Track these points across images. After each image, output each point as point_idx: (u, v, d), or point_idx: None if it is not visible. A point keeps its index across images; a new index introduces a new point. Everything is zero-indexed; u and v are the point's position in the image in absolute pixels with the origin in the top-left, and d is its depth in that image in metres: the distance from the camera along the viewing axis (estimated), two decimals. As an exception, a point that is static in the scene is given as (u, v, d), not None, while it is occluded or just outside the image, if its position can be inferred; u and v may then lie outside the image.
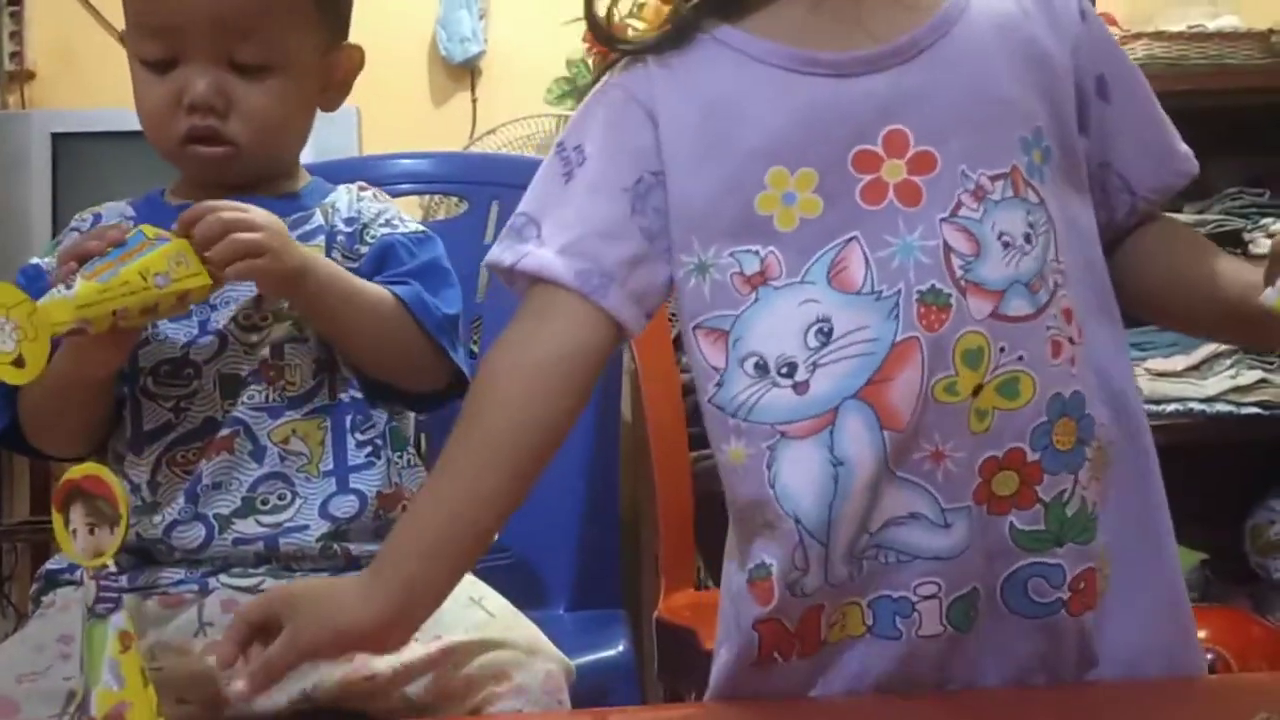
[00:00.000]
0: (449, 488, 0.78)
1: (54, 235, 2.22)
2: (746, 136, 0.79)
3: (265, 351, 0.95)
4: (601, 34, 0.84)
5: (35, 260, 1.01)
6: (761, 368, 0.78)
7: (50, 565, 0.96)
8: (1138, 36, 2.25)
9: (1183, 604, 0.86)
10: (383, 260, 0.99)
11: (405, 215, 1.06)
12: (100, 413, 0.95)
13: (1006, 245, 0.78)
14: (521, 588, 1.14)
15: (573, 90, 2.48)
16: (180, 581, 0.90)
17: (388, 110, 2.30)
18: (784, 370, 0.77)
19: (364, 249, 1.01)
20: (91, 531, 0.68)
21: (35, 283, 0.97)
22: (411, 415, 1.05)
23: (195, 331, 0.95)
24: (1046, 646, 0.79)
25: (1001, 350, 0.77)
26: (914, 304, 0.76)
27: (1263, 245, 2.27)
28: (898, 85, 0.78)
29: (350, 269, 0.98)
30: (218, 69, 0.94)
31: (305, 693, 0.87)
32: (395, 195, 1.32)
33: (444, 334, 0.97)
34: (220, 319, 0.95)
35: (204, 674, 0.87)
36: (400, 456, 0.99)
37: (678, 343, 1.60)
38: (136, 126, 2.26)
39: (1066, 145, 0.82)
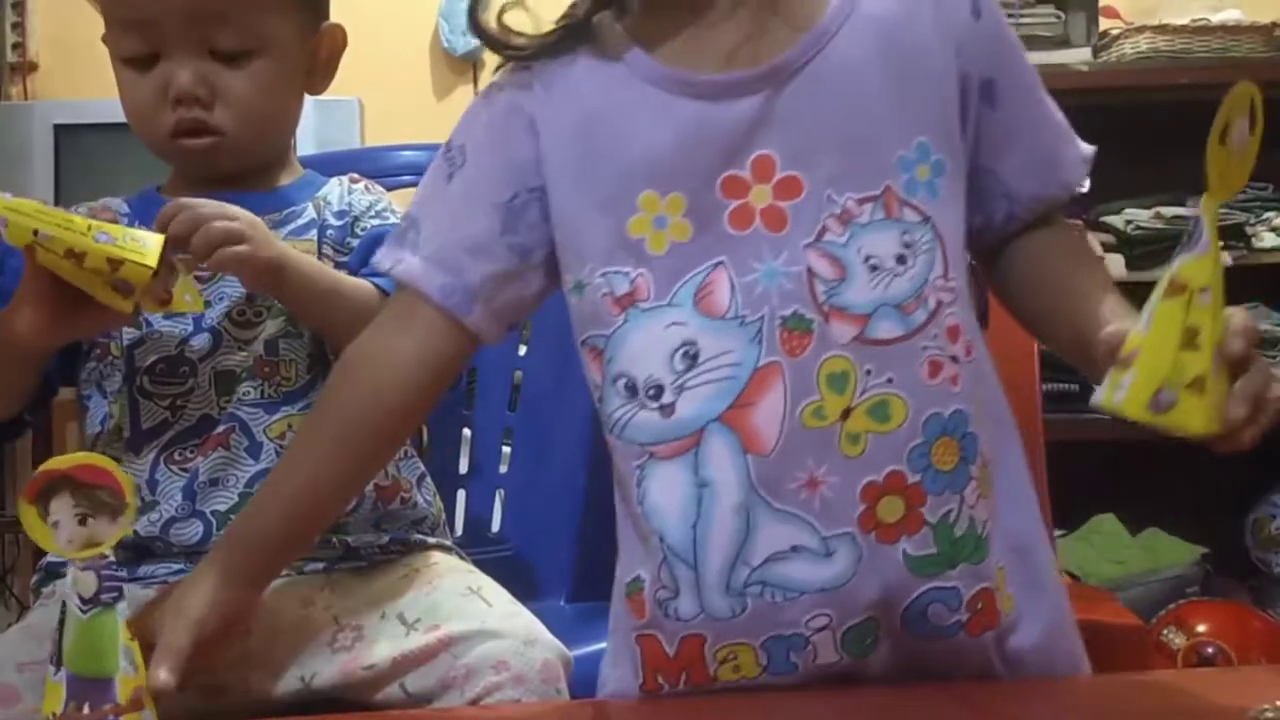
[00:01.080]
0: (289, 479, 0.83)
1: (56, 226, 2.24)
2: (620, 158, 0.79)
3: (259, 347, 0.95)
4: (486, 37, 0.83)
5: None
6: (631, 389, 0.78)
7: (51, 558, 0.95)
8: (1140, 29, 2.25)
9: (1067, 612, 0.84)
10: (371, 251, 0.99)
11: (396, 207, 1.06)
12: (22, 388, 0.93)
13: (874, 268, 0.77)
14: (520, 579, 1.15)
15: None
16: (179, 572, 0.90)
17: (390, 102, 2.30)
18: (651, 392, 0.78)
19: (354, 242, 1.01)
20: (83, 522, 0.67)
21: (7, 258, 0.97)
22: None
23: (190, 329, 0.95)
24: (950, 664, 0.78)
25: (868, 373, 0.76)
26: (777, 329, 0.76)
27: (1265, 239, 2.27)
28: (768, 108, 0.77)
29: (340, 262, 0.98)
30: (199, 59, 0.94)
31: (304, 683, 0.88)
32: (396, 186, 1.32)
33: None
34: (214, 316, 0.95)
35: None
36: (401, 450, 0.99)
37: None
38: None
39: (958, 153, 0.80)
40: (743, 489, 0.76)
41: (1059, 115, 0.85)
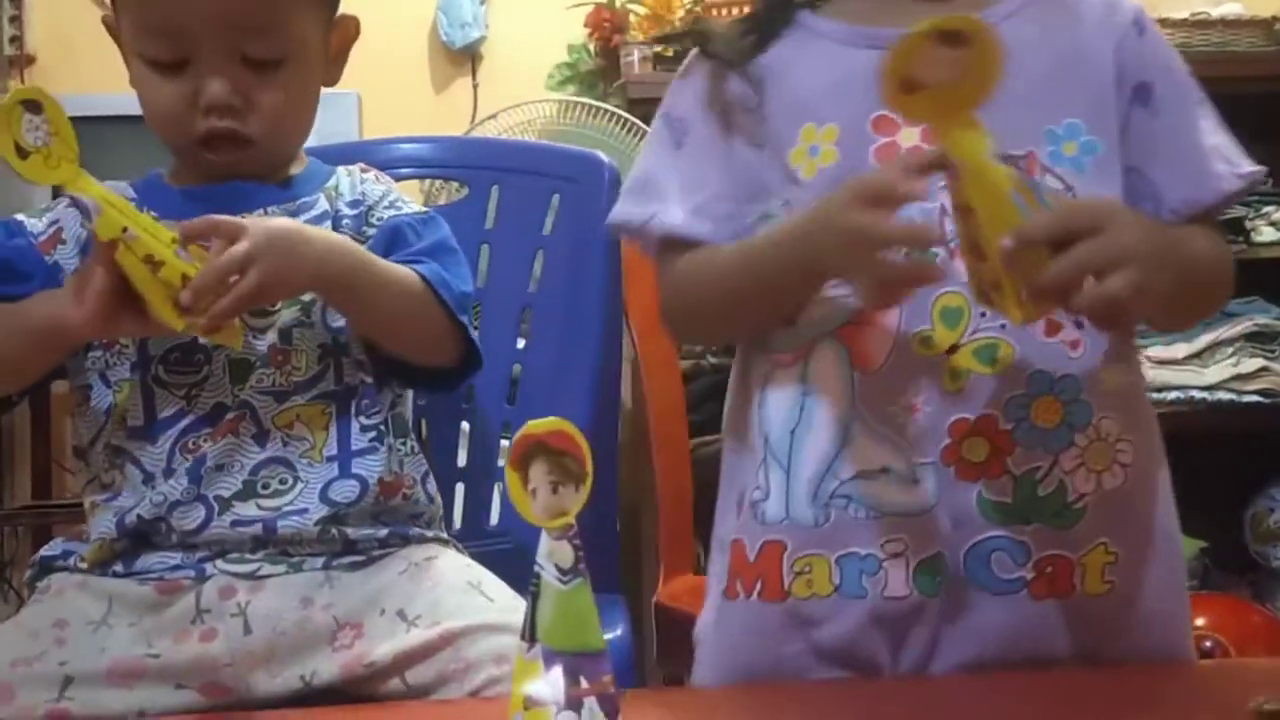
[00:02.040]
0: None
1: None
2: (789, 98, 0.85)
3: (274, 336, 0.95)
4: (710, 53, 0.90)
5: (19, 217, 0.99)
6: None
7: (45, 552, 0.95)
8: (1141, 23, 2.25)
9: (1182, 627, 0.86)
10: (392, 242, 0.99)
11: (407, 197, 1.05)
12: (49, 368, 0.94)
13: None
14: (521, 573, 1.14)
15: (574, 75, 2.48)
16: (177, 567, 0.90)
17: (388, 95, 2.29)
18: None
19: (370, 231, 1.01)
20: (555, 490, 0.66)
21: (14, 237, 0.97)
22: (410, 403, 1.04)
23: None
24: (1003, 627, 0.79)
25: (983, 315, 0.79)
26: (901, 256, 0.78)
27: (1265, 233, 2.27)
28: None
29: None
30: (231, 67, 0.93)
31: (304, 680, 0.87)
32: (396, 180, 1.31)
33: (463, 310, 0.97)
34: None
35: (202, 660, 0.87)
36: (402, 444, 0.99)
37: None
38: (137, 111, 2.25)
39: (1115, 151, 0.83)
40: (845, 402, 0.80)
41: (1221, 135, 0.87)
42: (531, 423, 0.69)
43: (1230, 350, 2.22)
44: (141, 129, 1.98)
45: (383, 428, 0.97)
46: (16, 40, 2.53)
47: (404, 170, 1.43)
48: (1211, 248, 0.85)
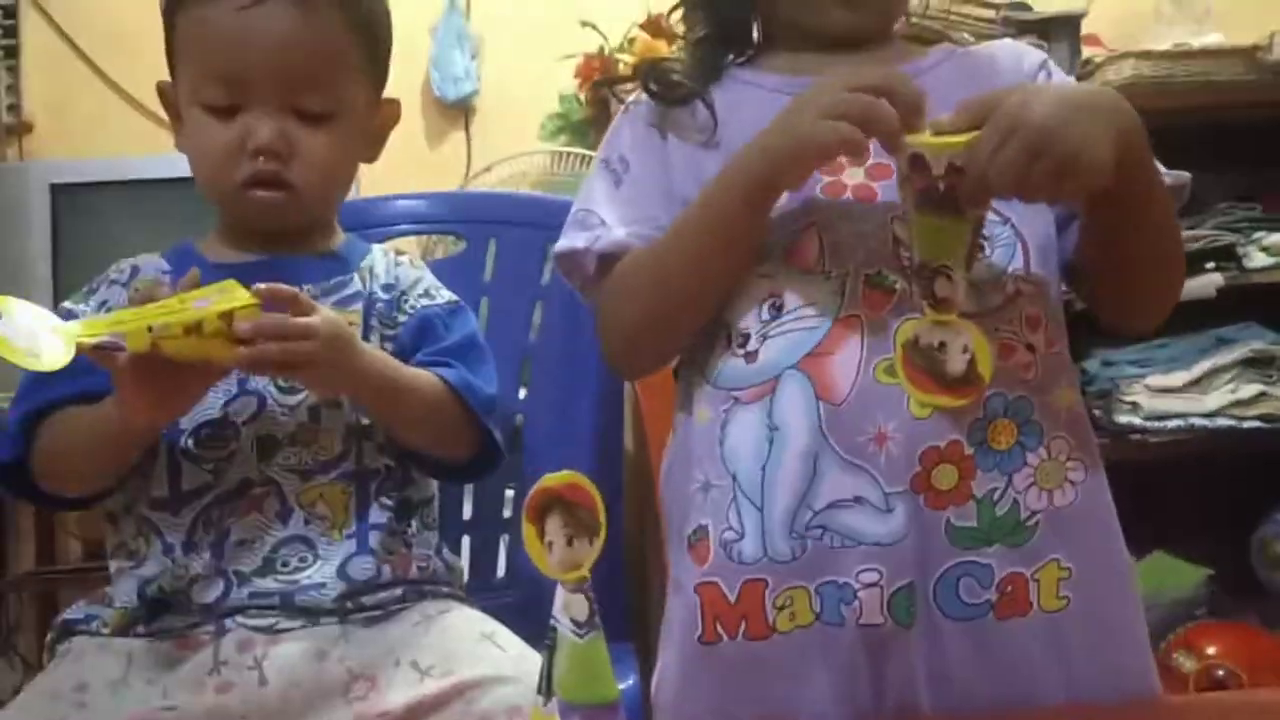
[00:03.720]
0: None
1: (55, 285, 2.25)
2: (734, 139, 0.88)
3: (302, 414, 0.97)
4: (655, 94, 0.95)
5: (68, 305, 1.03)
6: (728, 338, 0.85)
7: (67, 615, 0.96)
8: (1124, 56, 2.27)
9: (1142, 639, 0.88)
10: (421, 334, 1.02)
11: (438, 283, 1.08)
12: (128, 463, 0.96)
13: None
14: (528, 625, 1.14)
15: (566, 125, 2.50)
16: (195, 625, 0.91)
17: (384, 150, 2.31)
18: (740, 340, 0.84)
19: (401, 318, 1.03)
20: (570, 543, 0.67)
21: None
22: (433, 482, 1.06)
23: (234, 390, 0.96)
24: (973, 656, 0.80)
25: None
26: (860, 285, 0.81)
27: (1256, 259, 2.28)
28: None
29: (388, 335, 1.00)
30: (282, 116, 0.96)
31: (320, 731, 0.88)
32: (394, 236, 1.33)
33: (487, 414, 1.00)
34: (259, 380, 0.96)
35: (217, 711, 0.88)
36: (417, 523, 1.01)
37: (678, 372, 1.61)
38: (134, 175, 2.28)
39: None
40: (812, 434, 0.81)
41: None
42: (547, 476, 0.69)
43: (1228, 377, 2.23)
44: (138, 191, 2.00)
45: (400, 508, 0.99)
46: (14, 108, 2.55)
47: (402, 226, 1.45)
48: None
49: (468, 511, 1.34)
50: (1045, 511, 0.81)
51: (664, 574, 1.64)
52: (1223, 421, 2.18)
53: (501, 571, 1.32)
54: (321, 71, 0.97)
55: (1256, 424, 2.18)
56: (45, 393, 0.94)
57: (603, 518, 0.68)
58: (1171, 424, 2.18)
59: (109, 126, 2.53)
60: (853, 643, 0.80)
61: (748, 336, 0.84)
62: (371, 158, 1.07)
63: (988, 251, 0.83)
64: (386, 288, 1.03)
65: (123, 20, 2.53)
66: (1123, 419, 2.19)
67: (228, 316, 0.83)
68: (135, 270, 1.03)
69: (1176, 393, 2.21)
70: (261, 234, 0.99)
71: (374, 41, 1.02)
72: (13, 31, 2.55)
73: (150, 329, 0.82)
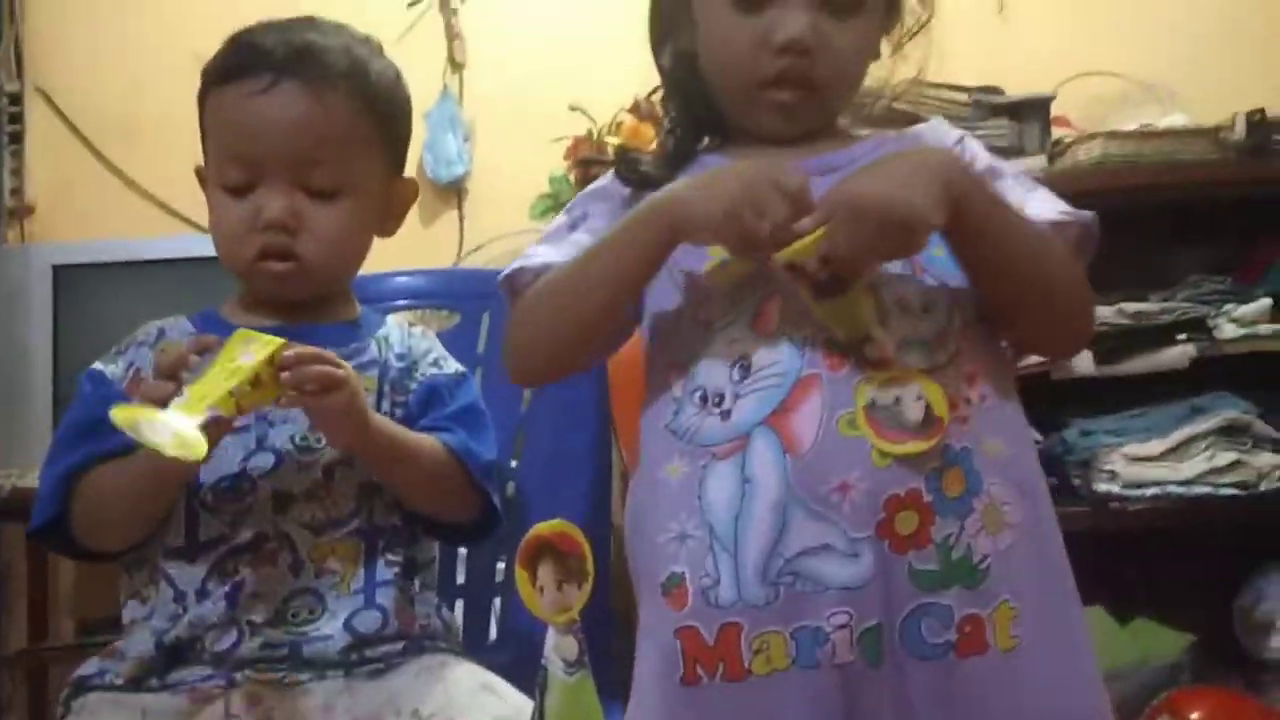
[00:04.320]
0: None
1: (55, 364, 2.29)
2: None
3: (318, 473, 1.01)
4: (629, 181, 1.04)
5: (98, 367, 1.07)
6: (704, 399, 0.91)
7: (80, 672, 0.99)
8: (1092, 136, 2.35)
9: (1091, 674, 0.93)
10: (428, 401, 1.08)
11: (447, 354, 1.13)
12: (164, 511, 1.00)
13: (904, 309, 0.91)
14: (522, 682, 1.17)
15: (555, 205, 2.57)
16: (209, 678, 0.94)
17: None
18: (715, 400, 0.91)
19: (412, 385, 1.08)
20: (559, 587, 0.72)
21: (100, 387, 1.04)
22: (435, 545, 1.10)
23: (253, 446, 1.01)
24: (936, 695, 0.85)
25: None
26: (820, 346, 0.89)
27: (1226, 330, 2.35)
28: (814, 190, 0.92)
29: (398, 402, 1.06)
30: (292, 192, 1.03)
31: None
32: (391, 310, 1.38)
33: (486, 479, 1.06)
34: (278, 438, 1.01)
35: None
36: (419, 581, 1.05)
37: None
38: (134, 257, 2.33)
39: None
40: (781, 486, 0.86)
41: (1051, 201, 1.00)
42: (539, 525, 0.75)
43: (1204, 445, 2.27)
44: (134, 274, 2.05)
45: (405, 566, 1.03)
46: (17, 192, 2.61)
47: (399, 301, 1.50)
48: (1049, 236, 0.95)
49: (461, 577, 1.37)
50: (992, 554, 0.87)
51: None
52: (1200, 489, 2.22)
53: (494, 635, 1.35)
54: (329, 151, 1.03)
55: (1233, 491, 2.22)
56: (77, 454, 0.99)
57: (591, 565, 0.73)
58: (1150, 492, 2.22)
59: (110, 210, 2.60)
60: (827, 684, 0.85)
61: (722, 396, 0.91)
62: (387, 232, 1.13)
63: (932, 312, 0.92)
64: (400, 356, 1.09)
65: (125, 108, 2.62)
66: (1101, 487, 2.23)
67: (272, 361, 0.91)
68: (162, 332, 1.08)
69: (1154, 461, 2.26)
70: (279, 303, 1.04)
71: (386, 123, 1.09)
72: (18, 118, 2.62)
73: (232, 394, 0.89)
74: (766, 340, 0.90)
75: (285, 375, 0.90)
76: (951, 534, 0.86)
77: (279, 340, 0.93)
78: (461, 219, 2.62)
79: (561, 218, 1.06)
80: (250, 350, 0.91)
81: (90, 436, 1.00)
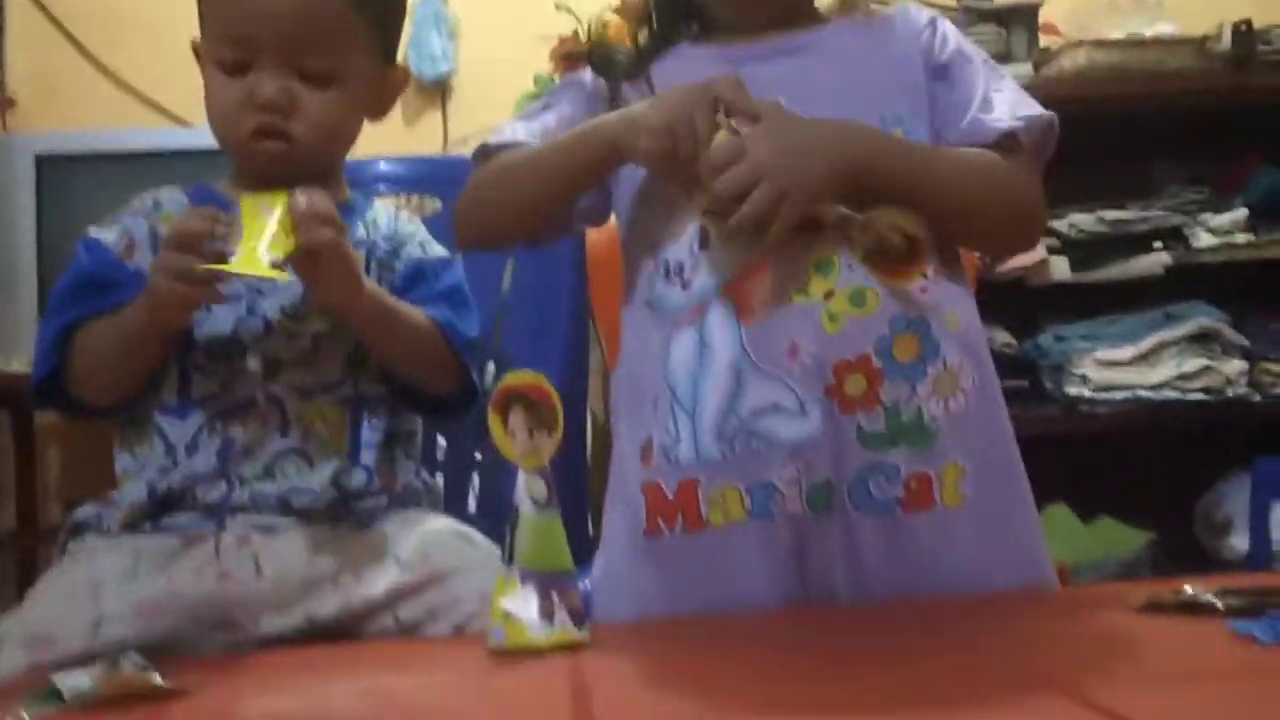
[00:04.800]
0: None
1: (39, 252, 2.30)
2: None
3: (306, 342, 1.05)
4: (601, 70, 1.07)
5: (93, 232, 1.09)
6: (667, 271, 0.97)
7: (77, 516, 1.03)
8: (1079, 44, 2.36)
9: (1036, 534, 0.98)
10: (413, 280, 1.10)
11: (431, 238, 1.16)
12: (159, 362, 1.03)
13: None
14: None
15: (540, 106, 2.58)
16: (199, 522, 0.99)
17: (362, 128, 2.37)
18: (678, 271, 0.96)
19: (398, 265, 1.11)
20: (531, 435, 0.76)
21: (95, 251, 1.06)
22: (417, 418, 1.13)
23: (244, 313, 1.04)
24: (884, 548, 0.90)
25: (849, 268, 0.91)
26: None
27: (1203, 239, 2.38)
28: (782, 69, 1.00)
29: (386, 279, 1.09)
30: (286, 75, 1.04)
31: (309, 616, 0.96)
32: (375, 195, 1.40)
33: (468, 354, 1.08)
34: (269, 307, 1.04)
35: (216, 598, 0.95)
36: (402, 452, 1.09)
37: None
38: (117, 147, 2.32)
39: (931, 132, 0.99)
40: (735, 351, 0.91)
41: (1010, 94, 1.02)
42: (510, 374, 0.78)
43: (1174, 351, 2.32)
44: (117, 165, 2.05)
45: (388, 434, 1.07)
46: (-3, 83, 2.60)
47: (382, 187, 1.52)
48: (992, 167, 0.97)
49: (441, 453, 1.41)
50: (944, 417, 0.91)
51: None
52: (1168, 394, 2.27)
53: (472, 507, 1.39)
54: (324, 36, 1.04)
55: (1200, 396, 2.27)
56: (74, 310, 1.02)
57: (560, 414, 0.76)
58: (1119, 395, 2.27)
59: (92, 101, 2.58)
60: (780, 535, 0.89)
61: (682, 266, 0.95)
62: (376, 118, 1.15)
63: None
64: (387, 238, 1.12)
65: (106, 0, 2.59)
66: (1072, 390, 2.28)
67: (287, 208, 0.95)
68: (157, 203, 1.10)
69: (1124, 366, 2.31)
70: (271, 182, 1.06)
71: (380, 10, 1.10)
72: (-2, 9, 2.59)
73: (278, 241, 0.93)
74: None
75: (298, 203, 0.94)
76: (901, 397, 0.89)
77: (283, 191, 0.96)
78: (445, 117, 2.61)
79: (540, 101, 1.10)
80: (267, 206, 0.95)
81: (86, 294, 1.02)
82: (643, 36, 1.10)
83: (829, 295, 0.91)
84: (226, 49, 1.05)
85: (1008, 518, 0.94)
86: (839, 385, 0.89)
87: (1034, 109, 1.01)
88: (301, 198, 0.96)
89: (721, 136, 0.91)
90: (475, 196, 1.06)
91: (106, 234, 1.07)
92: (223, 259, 0.93)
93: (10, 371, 2.06)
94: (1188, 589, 0.79)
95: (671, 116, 0.90)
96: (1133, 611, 0.76)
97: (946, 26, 1.06)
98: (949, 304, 0.94)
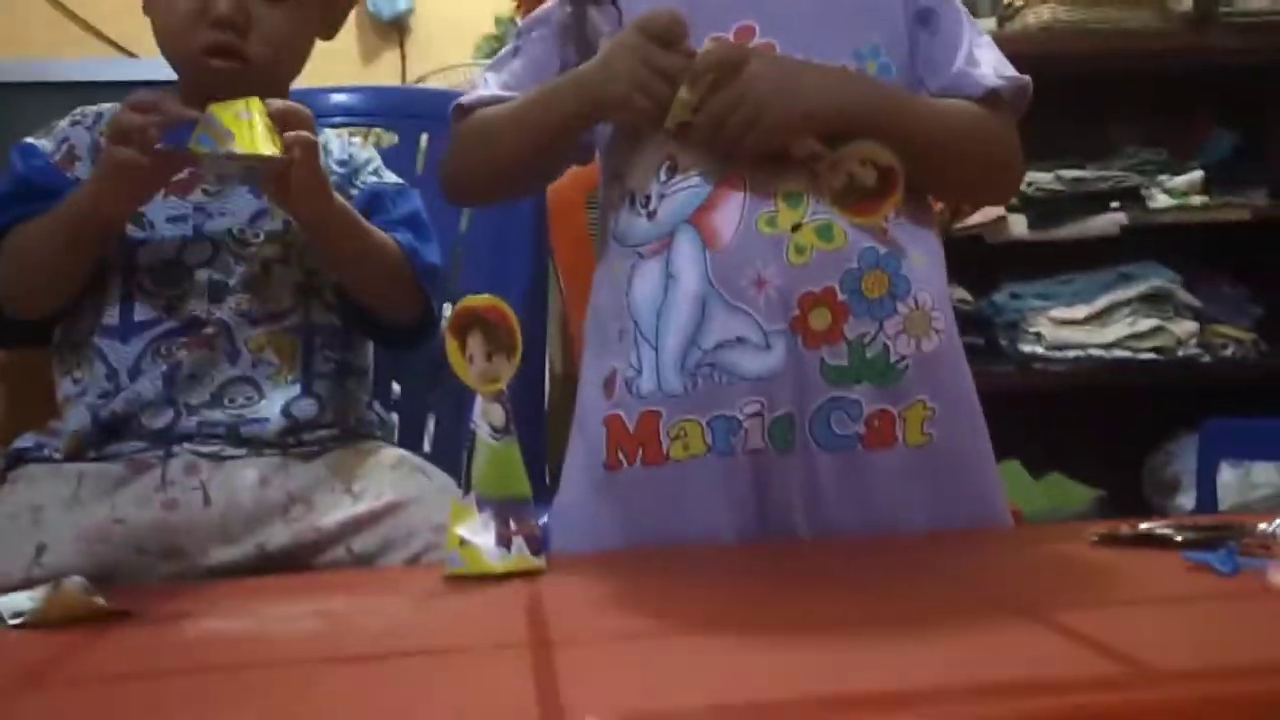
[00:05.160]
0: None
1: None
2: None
3: (255, 267, 1.01)
4: None
5: (29, 140, 1.05)
6: (632, 201, 0.95)
7: (17, 444, 1.00)
8: (1044, 0, 2.36)
9: (995, 478, 0.97)
10: (371, 206, 1.07)
11: (384, 166, 1.12)
12: (88, 269, 0.99)
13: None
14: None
15: (500, 48, 2.53)
16: (143, 449, 0.95)
17: (315, 66, 2.29)
18: (642, 200, 0.94)
19: (353, 191, 1.08)
20: (489, 359, 0.74)
21: (30, 158, 1.02)
22: (370, 352, 1.10)
23: (190, 234, 1.00)
24: (843, 484, 0.89)
25: (818, 201, 0.89)
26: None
27: (1159, 200, 2.39)
28: None
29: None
30: None
31: (260, 547, 0.93)
32: (329, 128, 1.36)
33: (429, 281, 1.06)
34: (215, 227, 1.01)
35: (162, 526, 0.93)
36: (355, 382, 1.06)
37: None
38: (61, 77, 2.25)
39: (906, 70, 0.98)
40: (701, 281, 0.89)
41: (992, 52, 1.00)
42: (468, 297, 0.76)
43: (1127, 311, 2.34)
44: (63, 94, 1.99)
45: (341, 363, 1.04)
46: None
47: (336, 119, 1.47)
48: (977, 118, 0.97)
49: (396, 391, 1.39)
50: (913, 356, 0.90)
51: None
52: (1120, 353, 2.30)
53: (427, 447, 1.37)
54: None
55: (1151, 356, 2.30)
56: (9, 214, 0.98)
57: (519, 338, 0.74)
58: (1072, 354, 2.29)
59: (35, 30, 2.51)
60: (740, 470, 0.88)
61: (649, 197, 0.93)
62: (328, 36, 1.11)
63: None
64: (341, 163, 1.09)
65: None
66: (1026, 348, 2.30)
67: (265, 111, 0.92)
68: (100, 115, 1.06)
69: (1078, 325, 2.33)
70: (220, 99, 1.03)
71: None
72: (-63, -69, 2.50)
73: (265, 138, 0.91)
74: (694, 144, 0.92)
75: (274, 104, 0.92)
76: (867, 333, 0.89)
77: (254, 98, 0.92)
78: (404, 57, 2.57)
79: (509, 45, 1.08)
80: (242, 110, 0.91)
81: (21, 200, 0.99)
82: None
83: (796, 228, 0.89)
84: None
85: (969, 460, 0.94)
86: (803, 318, 0.88)
87: (1013, 70, 1.00)
88: (276, 101, 0.92)
89: (709, 44, 0.90)
90: (461, 158, 1.04)
91: (45, 142, 1.04)
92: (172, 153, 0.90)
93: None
94: (1143, 525, 0.79)
95: (634, 75, 0.89)
96: (1090, 544, 0.76)
97: None
98: (918, 246, 0.93)
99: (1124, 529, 0.78)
